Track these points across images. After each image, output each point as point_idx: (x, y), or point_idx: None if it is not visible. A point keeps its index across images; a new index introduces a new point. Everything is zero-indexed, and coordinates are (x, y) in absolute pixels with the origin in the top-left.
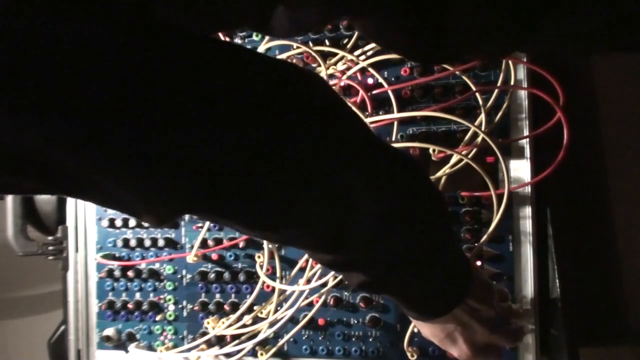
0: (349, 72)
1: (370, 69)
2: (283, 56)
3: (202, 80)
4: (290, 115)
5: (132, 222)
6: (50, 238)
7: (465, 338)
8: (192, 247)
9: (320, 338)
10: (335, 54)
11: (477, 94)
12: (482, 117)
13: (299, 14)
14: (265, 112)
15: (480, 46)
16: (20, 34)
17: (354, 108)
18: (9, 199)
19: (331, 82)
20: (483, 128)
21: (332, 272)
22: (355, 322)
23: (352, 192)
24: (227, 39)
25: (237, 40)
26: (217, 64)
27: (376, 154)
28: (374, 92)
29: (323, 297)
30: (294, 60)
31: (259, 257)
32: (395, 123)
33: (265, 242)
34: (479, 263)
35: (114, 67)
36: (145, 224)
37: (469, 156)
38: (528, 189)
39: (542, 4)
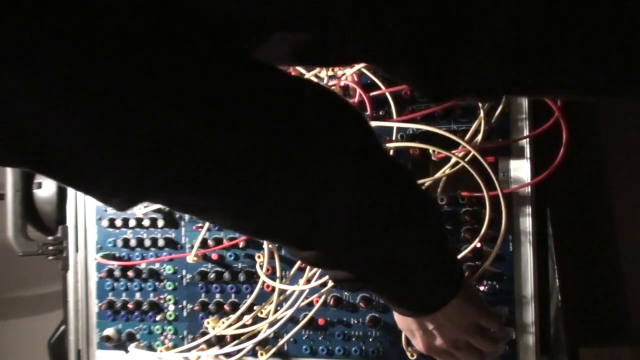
0: (349, 73)
1: (367, 72)
2: None
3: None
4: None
5: (132, 222)
6: (50, 238)
7: (423, 340)
8: (192, 247)
9: (320, 338)
10: None
11: None
12: (482, 116)
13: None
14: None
15: (474, 91)
16: None
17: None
18: (9, 199)
19: (331, 83)
20: (482, 126)
21: None
22: (355, 322)
23: (331, 185)
24: None
25: None
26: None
27: (365, 153)
28: (373, 93)
29: (323, 297)
30: None
31: (259, 257)
32: (395, 127)
33: (265, 242)
34: (478, 263)
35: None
36: (145, 225)
37: (466, 159)
38: (528, 189)
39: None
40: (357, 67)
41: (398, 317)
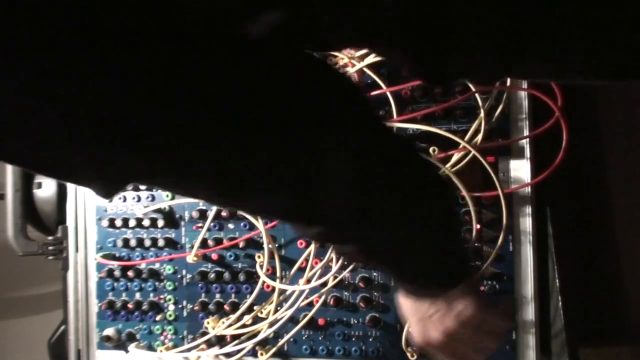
0: (350, 72)
1: (367, 70)
2: None
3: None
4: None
5: (132, 222)
6: (50, 238)
7: (420, 327)
8: (192, 247)
9: (320, 338)
10: (334, 55)
11: (476, 95)
12: (482, 116)
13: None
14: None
15: (471, 72)
16: None
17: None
18: (9, 199)
19: None
20: (483, 126)
21: (332, 272)
22: (355, 322)
23: (331, 153)
24: None
25: None
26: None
27: (362, 133)
28: (373, 93)
29: (323, 297)
30: None
31: (259, 257)
32: (395, 127)
33: (265, 241)
34: (478, 263)
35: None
36: (145, 225)
37: (466, 159)
38: (528, 189)
39: (525, 41)
40: (358, 66)
41: (411, 305)
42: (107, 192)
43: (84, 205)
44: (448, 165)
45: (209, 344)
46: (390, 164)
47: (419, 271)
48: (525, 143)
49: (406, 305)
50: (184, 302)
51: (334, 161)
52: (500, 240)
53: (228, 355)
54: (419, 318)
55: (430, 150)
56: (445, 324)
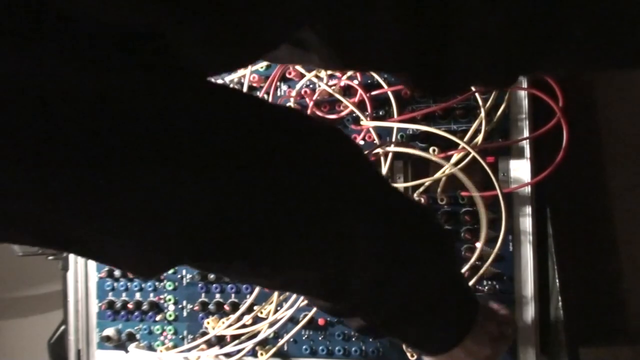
0: (349, 73)
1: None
2: None
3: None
4: (291, 154)
5: None
6: None
7: None
8: None
9: (320, 338)
10: None
11: (476, 94)
12: (482, 117)
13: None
14: (270, 151)
15: (478, 81)
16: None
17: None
18: None
19: (331, 83)
20: (483, 126)
21: None
22: None
23: (350, 237)
24: None
25: None
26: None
27: (378, 198)
28: (374, 92)
29: None
30: None
31: None
32: (395, 127)
33: None
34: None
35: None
36: None
37: (466, 160)
38: (528, 189)
39: (538, 49)
40: None
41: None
42: None
43: None
44: (448, 165)
45: (209, 344)
46: (412, 232)
47: (428, 334)
48: (525, 143)
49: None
50: (184, 302)
51: (362, 239)
52: (500, 240)
53: (228, 355)
54: None
55: (430, 150)
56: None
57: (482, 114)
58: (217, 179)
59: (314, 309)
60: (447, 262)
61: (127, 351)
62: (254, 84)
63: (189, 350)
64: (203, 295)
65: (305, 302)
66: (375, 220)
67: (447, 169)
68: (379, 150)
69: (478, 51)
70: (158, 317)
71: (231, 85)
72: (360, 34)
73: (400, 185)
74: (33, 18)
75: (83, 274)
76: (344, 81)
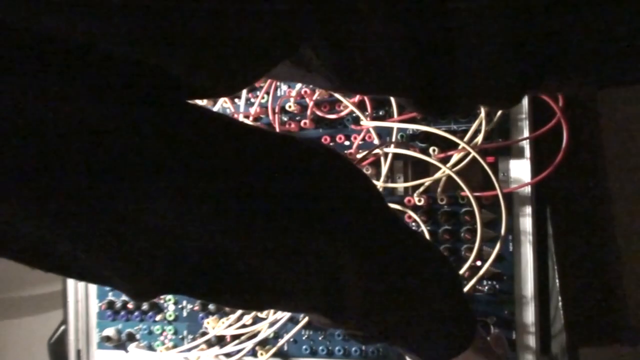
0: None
1: None
2: None
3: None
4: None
5: None
6: None
7: None
8: None
9: (320, 338)
10: None
11: None
12: (482, 117)
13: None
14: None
15: (483, 101)
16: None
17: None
18: None
19: None
20: (483, 126)
21: None
22: None
23: (339, 263)
24: None
25: None
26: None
27: (369, 224)
28: None
29: None
30: None
31: None
32: (395, 127)
33: None
34: (478, 263)
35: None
36: None
37: (465, 160)
38: (528, 189)
39: (542, 71)
40: None
41: None
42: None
43: None
44: (448, 165)
45: (209, 344)
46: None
47: (426, 343)
48: (525, 143)
49: None
50: (184, 302)
51: (351, 265)
52: (500, 241)
53: (228, 355)
54: None
55: (430, 150)
56: None
57: (482, 114)
58: (214, 213)
59: None
60: (447, 298)
61: (127, 351)
62: (254, 84)
63: (189, 350)
64: None
65: None
66: (367, 248)
67: (443, 170)
68: (378, 150)
69: (483, 68)
70: (158, 317)
71: None
72: (360, 55)
73: (400, 185)
74: (37, 52)
75: None
76: None
